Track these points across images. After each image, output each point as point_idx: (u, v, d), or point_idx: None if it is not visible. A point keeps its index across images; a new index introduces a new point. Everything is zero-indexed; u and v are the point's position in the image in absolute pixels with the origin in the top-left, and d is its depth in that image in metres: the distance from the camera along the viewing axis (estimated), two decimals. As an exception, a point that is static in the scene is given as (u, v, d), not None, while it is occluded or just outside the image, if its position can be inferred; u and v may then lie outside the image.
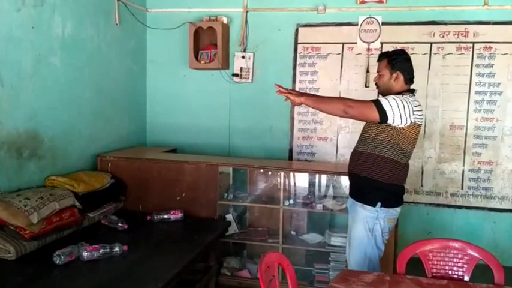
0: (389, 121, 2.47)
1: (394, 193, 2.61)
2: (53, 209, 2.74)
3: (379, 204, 2.56)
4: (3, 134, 2.75)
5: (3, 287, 2.22)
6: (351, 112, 2.52)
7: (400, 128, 2.49)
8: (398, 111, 2.45)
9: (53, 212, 2.74)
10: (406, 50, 3.89)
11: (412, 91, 2.64)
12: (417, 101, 2.58)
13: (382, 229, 2.60)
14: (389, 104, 2.46)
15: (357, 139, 2.76)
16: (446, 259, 2.27)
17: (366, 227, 2.60)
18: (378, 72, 2.70)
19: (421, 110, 2.57)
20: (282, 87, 2.62)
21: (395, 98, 2.49)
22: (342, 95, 4.13)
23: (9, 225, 2.56)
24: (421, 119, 2.56)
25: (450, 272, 2.27)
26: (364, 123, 2.70)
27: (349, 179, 2.80)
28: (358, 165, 2.65)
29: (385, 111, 2.45)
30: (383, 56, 2.69)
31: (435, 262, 2.28)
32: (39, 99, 3.05)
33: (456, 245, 2.28)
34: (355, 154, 2.71)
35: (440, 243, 2.32)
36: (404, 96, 2.53)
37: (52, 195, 2.81)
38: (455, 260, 2.26)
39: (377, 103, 2.48)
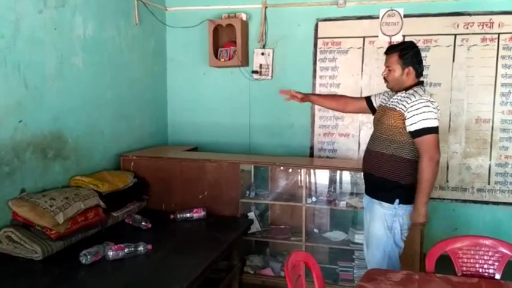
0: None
1: (412, 190, 2.53)
2: (78, 208, 2.77)
3: (397, 201, 2.51)
4: (28, 136, 2.79)
5: (32, 287, 2.25)
6: (437, 158, 2.42)
7: None
8: (436, 117, 2.42)
9: (78, 212, 2.77)
10: (429, 42, 3.92)
11: (422, 83, 2.58)
12: (428, 91, 2.54)
13: (402, 226, 2.54)
14: (433, 118, 2.40)
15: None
16: (477, 257, 2.23)
17: (385, 224, 2.55)
18: (387, 66, 2.58)
19: (438, 106, 2.50)
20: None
21: (427, 108, 2.39)
22: (363, 91, 4.07)
23: (35, 225, 2.59)
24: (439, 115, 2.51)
25: (481, 270, 2.22)
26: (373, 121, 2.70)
27: (365, 177, 2.76)
28: (374, 165, 2.61)
29: (437, 127, 2.42)
30: (392, 50, 2.56)
31: (465, 260, 2.24)
32: (62, 100, 3.08)
33: (487, 242, 2.23)
34: (370, 153, 2.66)
35: (471, 241, 2.27)
36: (424, 97, 2.43)
37: (77, 195, 2.84)
38: (485, 257, 2.21)
39: (432, 129, 2.40)
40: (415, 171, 2.46)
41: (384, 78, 2.63)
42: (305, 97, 3.08)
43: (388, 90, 2.70)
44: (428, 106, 2.40)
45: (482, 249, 2.23)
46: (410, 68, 2.51)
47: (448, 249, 2.27)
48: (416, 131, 2.41)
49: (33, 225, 2.60)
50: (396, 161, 2.50)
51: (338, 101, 3.09)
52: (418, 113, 2.40)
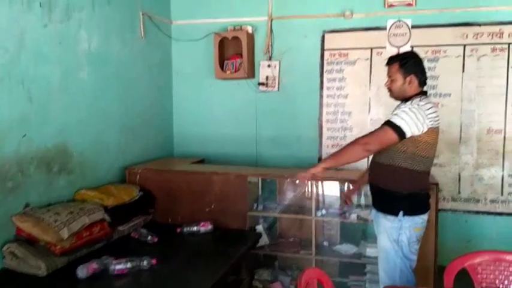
0: (408, 135, 2.37)
1: (417, 200, 2.49)
2: (83, 223, 2.72)
3: (401, 213, 2.45)
4: (32, 150, 2.75)
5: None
6: (371, 148, 2.44)
7: (416, 136, 2.38)
8: (412, 122, 2.36)
9: (83, 227, 2.72)
10: (438, 53, 3.88)
11: (425, 93, 2.54)
12: (430, 103, 2.48)
13: (409, 239, 2.47)
14: (402, 118, 2.37)
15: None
16: (497, 272, 2.14)
17: (391, 238, 2.50)
18: (389, 76, 2.58)
19: (435, 112, 2.45)
20: (302, 177, 2.62)
21: (404, 109, 2.40)
22: (371, 102, 4.04)
23: (39, 241, 2.54)
24: (437, 121, 2.45)
25: (501, 286, 2.13)
26: None
27: (370, 189, 2.72)
28: (375, 176, 2.59)
29: (401, 128, 2.36)
30: (393, 60, 2.57)
31: (484, 276, 2.15)
32: (67, 114, 3.05)
33: (508, 257, 2.14)
34: (372, 164, 2.64)
35: (490, 256, 2.18)
36: (414, 101, 2.43)
37: (82, 209, 2.79)
38: (506, 273, 2.13)
39: (391, 124, 2.39)
40: (415, 179, 2.44)
41: (388, 88, 2.62)
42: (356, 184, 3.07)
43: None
44: (410, 108, 2.39)
45: (503, 264, 2.15)
46: (412, 77, 2.50)
47: (466, 264, 2.18)
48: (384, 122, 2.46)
49: (37, 241, 2.55)
50: (394, 170, 2.47)
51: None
52: (395, 111, 2.45)
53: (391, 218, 2.49)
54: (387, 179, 2.51)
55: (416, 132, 2.37)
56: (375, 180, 2.61)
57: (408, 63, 2.50)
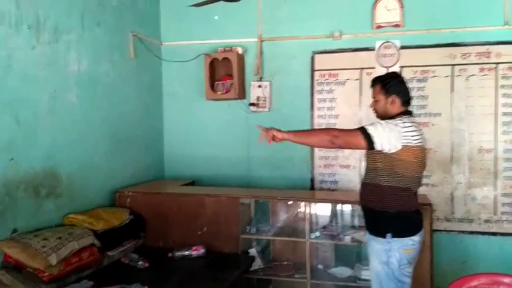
0: (377, 147, 2.39)
1: (405, 221, 2.48)
2: (72, 248, 2.65)
3: (389, 235, 2.44)
4: (20, 174, 2.68)
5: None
6: (337, 142, 2.46)
7: (391, 153, 2.39)
8: (385, 137, 2.37)
9: (72, 252, 2.65)
10: (427, 73, 3.92)
11: (409, 113, 2.56)
12: (412, 122, 2.48)
13: (399, 261, 2.44)
14: (375, 129, 2.39)
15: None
16: (495, 295, 2.12)
17: (381, 260, 2.48)
18: (373, 97, 2.65)
19: (416, 131, 2.45)
20: (263, 127, 2.61)
21: (382, 122, 2.44)
22: (362, 122, 4.01)
23: (27, 267, 2.46)
24: (417, 140, 2.43)
25: (500, 309, 2.10)
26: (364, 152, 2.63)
27: (361, 210, 2.73)
28: (364, 196, 2.61)
29: (370, 137, 2.38)
30: (376, 81, 2.65)
31: (483, 299, 2.13)
32: (56, 137, 2.99)
33: (506, 280, 2.13)
34: (362, 185, 2.66)
35: (487, 278, 2.17)
36: (396, 119, 2.46)
37: (71, 234, 2.72)
38: (504, 295, 2.10)
39: (363, 130, 2.41)
40: (398, 197, 2.44)
41: (373, 109, 2.66)
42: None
43: None
44: (387, 123, 2.41)
45: (501, 287, 2.12)
46: (394, 97, 2.54)
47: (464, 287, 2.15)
48: None
49: (24, 267, 2.47)
50: (378, 189, 2.48)
51: None
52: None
53: (380, 239, 2.48)
54: (373, 198, 2.52)
55: (387, 148, 2.38)
56: (363, 200, 2.62)
57: (389, 84, 2.56)
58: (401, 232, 2.45)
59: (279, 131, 2.57)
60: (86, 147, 3.32)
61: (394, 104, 2.54)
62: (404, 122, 2.44)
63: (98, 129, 3.48)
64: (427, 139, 2.59)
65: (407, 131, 2.40)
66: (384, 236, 2.45)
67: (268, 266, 3.58)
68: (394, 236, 2.44)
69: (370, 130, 2.40)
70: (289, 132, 2.56)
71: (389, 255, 2.44)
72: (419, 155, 2.46)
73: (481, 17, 3.79)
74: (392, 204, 2.45)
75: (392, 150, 2.39)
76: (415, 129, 2.45)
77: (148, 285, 2.58)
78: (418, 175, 2.52)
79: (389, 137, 2.37)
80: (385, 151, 2.40)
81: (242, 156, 4.34)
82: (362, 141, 2.40)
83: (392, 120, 2.46)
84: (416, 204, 2.57)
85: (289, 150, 4.21)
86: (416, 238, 2.48)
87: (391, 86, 2.55)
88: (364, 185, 2.60)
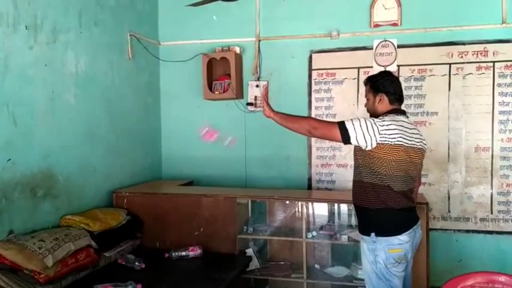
0: (353, 141, 2.39)
1: (389, 219, 2.44)
2: (68, 250, 2.65)
3: (373, 233, 2.43)
4: (17, 175, 2.68)
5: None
6: (315, 133, 2.52)
7: (369, 150, 2.39)
8: (360, 131, 2.36)
9: (69, 254, 2.65)
10: (424, 72, 3.91)
11: (399, 111, 2.54)
12: (401, 121, 2.44)
13: (385, 261, 2.40)
14: (352, 123, 2.39)
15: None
16: (490, 294, 2.12)
17: (368, 259, 2.48)
18: (365, 97, 2.69)
19: (397, 130, 2.36)
20: (265, 99, 2.67)
21: (360, 118, 2.43)
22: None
23: (23, 269, 2.46)
24: (396, 139, 2.35)
25: (494, 308, 2.11)
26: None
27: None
28: (352, 194, 2.63)
29: (347, 131, 2.38)
30: (366, 81, 2.69)
31: (478, 298, 2.13)
32: (53, 138, 3.00)
33: (501, 279, 2.13)
34: (352, 184, 2.67)
35: (483, 277, 2.17)
36: (380, 117, 2.45)
37: (67, 235, 2.73)
38: (499, 295, 2.11)
39: (340, 124, 2.43)
40: (379, 195, 2.42)
41: (367, 109, 2.70)
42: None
43: None
44: (365, 120, 2.40)
45: (496, 286, 2.13)
46: (382, 95, 2.55)
47: (459, 286, 2.16)
48: None
49: (21, 269, 2.46)
50: (361, 186, 2.51)
51: None
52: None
53: (366, 238, 2.49)
54: (357, 195, 2.56)
55: (363, 144, 2.38)
56: (352, 197, 2.63)
57: (378, 83, 2.58)
58: (384, 231, 2.43)
59: (272, 110, 2.62)
60: (84, 148, 3.32)
61: (382, 103, 2.55)
62: (384, 120, 2.40)
63: (96, 130, 3.48)
64: (423, 138, 2.55)
65: (385, 129, 2.36)
66: (368, 235, 2.46)
67: (265, 266, 3.59)
68: (377, 235, 2.42)
69: (348, 125, 2.40)
70: (276, 113, 2.61)
71: (376, 255, 2.43)
72: (403, 154, 2.39)
73: (478, 15, 3.80)
74: (372, 200, 2.45)
75: (369, 147, 2.38)
76: (396, 127, 2.38)
77: (144, 286, 2.58)
78: (402, 174, 2.42)
79: (365, 134, 2.36)
80: (363, 147, 2.41)
81: (240, 156, 4.34)
82: (338, 135, 2.41)
83: (377, 118, 2.46)
84: (404, 202, 2.46)
85: (286, 149, 4.24)
86: (403, 237, 2.41)
87: (379, 85, 2.56)
88: (352, 182, 2.63)
